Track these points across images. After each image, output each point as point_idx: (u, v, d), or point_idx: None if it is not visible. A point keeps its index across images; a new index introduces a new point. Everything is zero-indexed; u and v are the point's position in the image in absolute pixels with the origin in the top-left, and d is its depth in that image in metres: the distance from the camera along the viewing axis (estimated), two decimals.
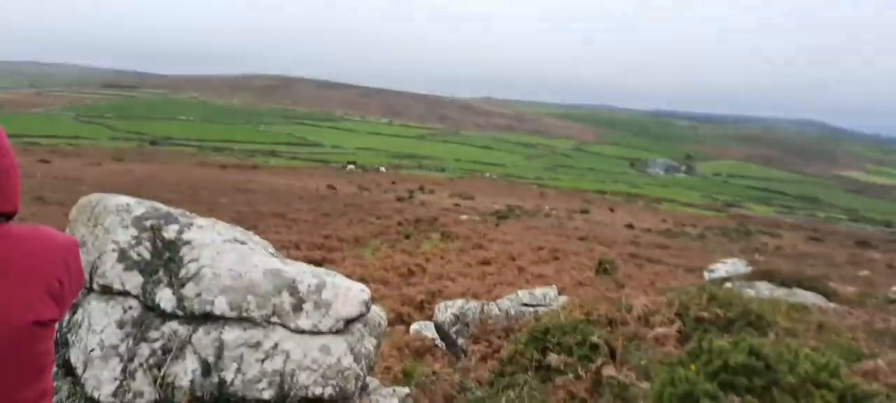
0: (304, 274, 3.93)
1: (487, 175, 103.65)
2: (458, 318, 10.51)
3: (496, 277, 21.73)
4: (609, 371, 3.52)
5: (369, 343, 3.96)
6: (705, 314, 4.27)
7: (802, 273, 12.06)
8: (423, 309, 15.86)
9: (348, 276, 16.59)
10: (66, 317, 3.99)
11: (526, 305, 10.66)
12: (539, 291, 11.44)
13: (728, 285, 11.17)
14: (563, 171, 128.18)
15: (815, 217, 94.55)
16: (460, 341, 10.36)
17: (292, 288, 3.82)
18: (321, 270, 4.16)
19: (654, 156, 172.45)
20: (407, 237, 30.51)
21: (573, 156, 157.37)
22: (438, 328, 11.04)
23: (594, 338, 4.12)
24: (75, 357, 3.75)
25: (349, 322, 3.82)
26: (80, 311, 3.91)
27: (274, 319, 3.73)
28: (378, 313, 4.21)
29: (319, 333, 3.73)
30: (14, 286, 1.32)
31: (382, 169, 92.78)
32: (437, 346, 13.18)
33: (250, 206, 35.85)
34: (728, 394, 2.27)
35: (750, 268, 15.82)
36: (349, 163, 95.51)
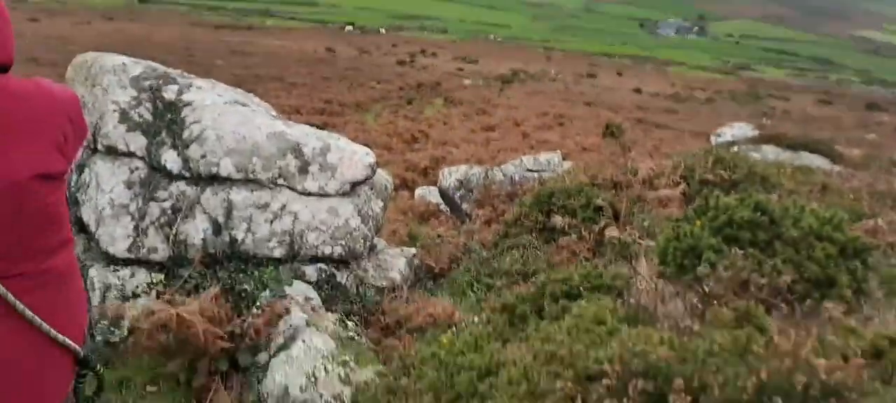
0: (308, 136, 3.90)
1: (492, 37, 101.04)
2: (462, 184, 10.60)
3: (500, 143, 21.70)
4: (612, 231, 3.58)
5: (376, 206, 4.00)
6: (710, 176, 4.28)
7: (809, 136, 12.02)
8: (428, 174, 15.97)
9: (351, 141, 16.36)
10: (74, 177, 4.01)
11: (530, 170, 10.71)
12: (543, 157, 11.45)
13: (734, 149, 11.17)
14: (571, 33, 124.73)
15: (827, 79, 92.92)
16: (464, 206, 10.50)
17: (297, 151, 3.80)
18: (325, 133, 4.13)
19: (666, 16, 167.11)
20: (409, 102, 30.16)
21: (581, 17, 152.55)
22: (443, 193, 11.16)
23: (598, 201, 4.15)
24: (87, 215, 3.80)
25: (355, 185, 3.83)
26: (86, 171, 3.91)
27: (280, 181, 3.74)
28: (384, 176, 4.23)
29: (326, 195, 3.75)
30: (17, 139, 1.29)
31: (382, 30, 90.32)
32: (441, 211, 13.37)
33: (247, 69, 35.18)
34: (732, 248, 2.30)
35: (757, 132, 15.73)
36: (348, 24, 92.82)
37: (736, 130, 15.12)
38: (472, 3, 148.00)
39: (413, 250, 4.39)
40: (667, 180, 4.39)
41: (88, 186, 3.85)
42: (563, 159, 11.90)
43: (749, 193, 2.61)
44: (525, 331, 2.26)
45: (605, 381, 1.61)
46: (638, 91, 46.31)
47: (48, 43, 36.38)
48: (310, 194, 3.75)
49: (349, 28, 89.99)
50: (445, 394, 1.86)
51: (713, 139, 15.44)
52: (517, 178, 10.26)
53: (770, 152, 10.20)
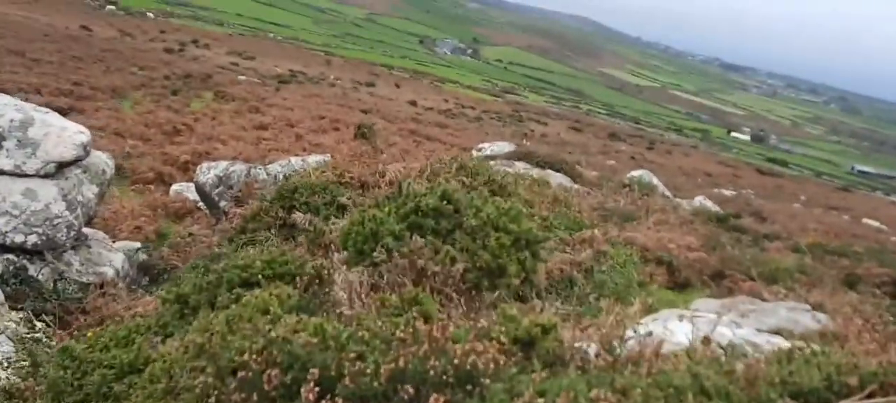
0: (5, 107, 3.29)
1: (271, 36, 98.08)
2: (222, 180, 9.96)
3: (272, 143, 21.07)
4: (300, 217, 3.51)
5: (89, 191, 3.50)
6: (453, 181, 4.44)
7: (556, 156, 13.37)
8: (188, 170, 14.86)
9: (101, 129, 14.89)
10: None
11: (296, 172, 10.40)
12: (312, 158, 11.21)
13: (492, 162, 11.98)
14: (353, 41, 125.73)
15: (579, 108, 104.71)
16: (222, 204, 9.87)
17: None
18: (29, 105, 3.53)
19: (444, 35, 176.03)
20: (174, 93, 28.04)
21: (364, 27, 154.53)
22: (199, 189, 10.39)
23: (343, 199, 4.08)
24: None
25: (63, 165, 3.31)
26: None
27: None
28: (103, 159, 3.73)
29: (24, 175, 3.19)
30: None
31: (150, 14, 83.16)
32: (199, 208, 12.50)
33: None
34: (414, 234, 2.35)
35: (513, 149, 17.07)
36: (109, 3, 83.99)
37: (496, 147, 16.27)
38: (253, 0, 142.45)
39: (137, 244, 3.94)
40: (413, 183, 4.47)
41: None
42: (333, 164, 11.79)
43: (439, 182, 2.71)
44: (191, 323, 2.08)
45: (240, 374, 1.51)
46: (414, 103, 48.13)
47: None
48: (2, 173, 3.17)
49: (111, 8, 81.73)
50: (71, 395, 1.61)
51: (475, 152, 16.46)
52: (282, 178, 9.94)
53: (522, 167, 11.10)
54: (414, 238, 2.23)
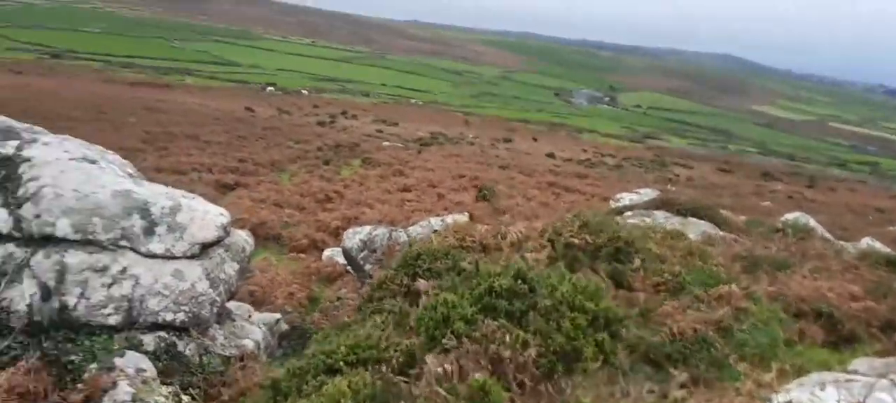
0: (157, 195, 3.71)
1: (413, 101, 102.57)
2: (366, 244, 10.44)
3: (415, 204, 21.69)
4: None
5: (230, 268, 3.82)
6: (576, 240, 4.34)
7: (698, 201, 12.60)
8: (338, 235, 15.64)
9: (263, 201, 16.14)
10: None
11: (437, 232, 10.65)
12: (451, 218, 11.47)
13: (629, 213, 11.55)
14: (489, 99, 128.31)
15: (727, 149, 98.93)
16: (367, 267, 10.33)
17: (144, 211, 3.60)
18: (178, 192, 3.95)
19: (579, 86, 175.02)
20: (326, 163, 29.95)
21: (499, 84, 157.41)
22: (346, 253, 10.96)
23: (464, 264, 4.12)
24: None
25: (206, 246, 3.66)
26: None
27: (123, 243, 3.52)
28: (243, 237, 4.06)
29: (173, 258, 3.56)
30: None
31: (304, 92, 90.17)
32: (348, 271, 13.12)
33: (161, 127, 34.15)
34: (487, 318, 2.28)
35: (656, 198, 16.35)
36: (269, 84, 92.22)
37: (635, 196, 15.69)
38: (395, 69, 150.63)
39: (276, 316, 4.20)
40: (534, 244, 4.42)
41: None
42: (472, 221, 11.94)
43: (514, 262, 2.63)
44: None
45: None
46: (551, 155, 47.88)
47: None
48: (155, 256, 3.55)
49: (270, 88, 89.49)
50: None
51: (612, 203, 15.96)
52: (422, 239, 10.20)
53: (661, 216, 10.55)
54: (486, 321, 2.19)
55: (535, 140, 62.91)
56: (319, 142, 36.83)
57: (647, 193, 18.37)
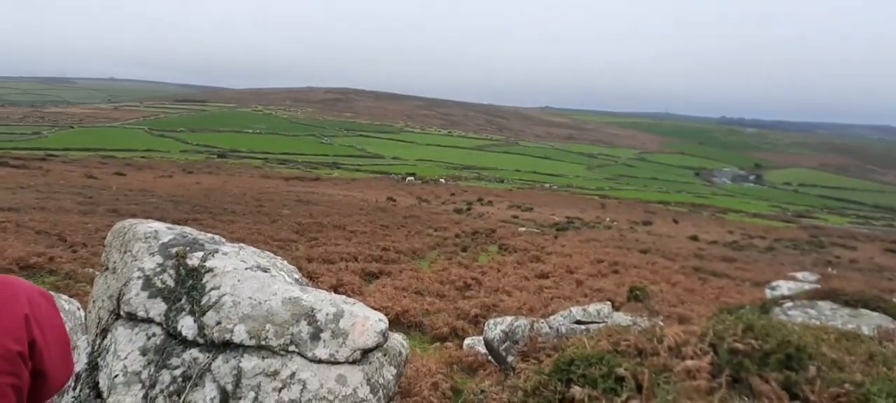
0: (322, 302, 3.93)
1: (547, 186, 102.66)
2: (508, 335, 10.38)
3: (553, 291, 21.33)
4: None
5: (388, 373, 3.92)
6: (740, 345, 4.03)
7: (868, 291, 11.33)
8: (478, 323, 15.70)
9: (405, 289, 16.69)
10: (97, 341, 4.12)
11: (578, 322, 10.40)
12: (593, 307, 11.15)
13: (788, 304, 10.62)
14: (626, 181, 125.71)
15: (894, 227, 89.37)
16: (509, 358, 10.22)
17: (310, 317, 3.82)
18: (340, 298, 4.15)
19: (721, 165, 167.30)
20: (464, 249, 30.40)
21: (636, 166, 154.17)
22: (487, 344, 10.93)
23: (620, 370, 3.95)
24: (102, 381, 3.85)
25: (366, 351, 3.79)
26: (108, 336, 4.02)
27: (292, 348, 3.74)
28: (400, 342, 4.17)
29: (336, 363, 3.72)
30: None
31: (442, 180, 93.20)
32: (490, 361, 13.05)
33: (311, 217, 36.53)
34: None
35: (818, 284, 15.02)
36: (409, 174, 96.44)
37: (792, 284, 14.52)
38: (529, 155, 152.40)
39: None
40: (693, 348, 4.16)
41: (107, 352, 3.94)
42: (616, 309, 11.55)
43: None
44: None
45: None
46: (695, 238, 45.55)
47: (130, 195, 38.98)
48: (320, 361, 3.72)
49: (410, 178, 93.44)
50: None
51: (768, 292, 14.83)
52: (564, 330, 10.00)
53: (826, 309, 9.60)
54: None
55: (676, 222, 60.31)
56: (457, 228, 37.61)
57: (806, 278, 16.91)
